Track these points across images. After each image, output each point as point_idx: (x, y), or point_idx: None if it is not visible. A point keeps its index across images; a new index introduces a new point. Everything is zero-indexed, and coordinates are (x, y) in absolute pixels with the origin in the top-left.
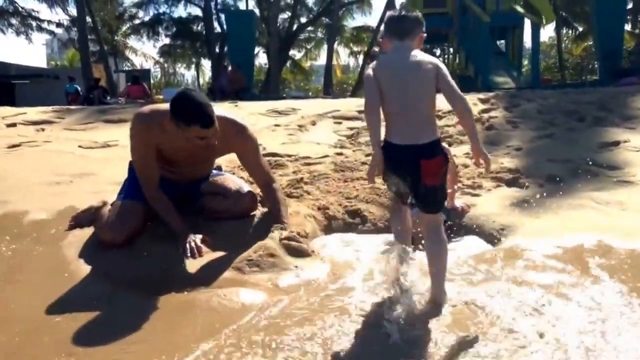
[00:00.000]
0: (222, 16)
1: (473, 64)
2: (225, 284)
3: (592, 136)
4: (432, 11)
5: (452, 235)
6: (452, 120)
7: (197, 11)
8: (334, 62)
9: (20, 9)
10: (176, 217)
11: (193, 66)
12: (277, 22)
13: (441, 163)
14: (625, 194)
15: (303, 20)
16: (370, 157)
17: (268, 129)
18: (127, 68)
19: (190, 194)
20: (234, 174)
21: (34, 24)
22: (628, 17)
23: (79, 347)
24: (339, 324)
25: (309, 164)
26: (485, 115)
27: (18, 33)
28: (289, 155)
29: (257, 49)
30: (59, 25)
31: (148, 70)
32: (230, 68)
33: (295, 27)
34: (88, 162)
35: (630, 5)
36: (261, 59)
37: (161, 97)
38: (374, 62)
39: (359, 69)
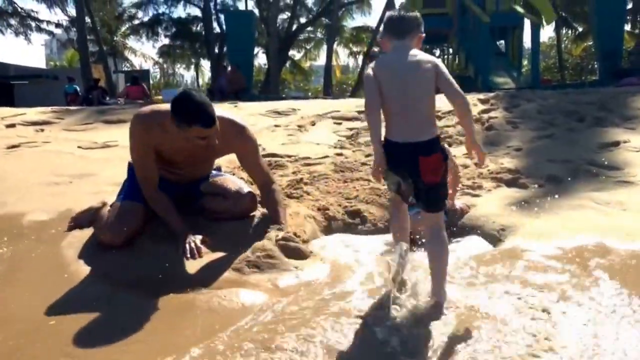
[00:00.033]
0: (222, 16)
1: (473, 64)
2: (225, 284)
3: (592, 136)
4: (432, 11)
5: (451, 237)
6: (452, 120)
7: (196, 11)
8: (334, 62)
9: (19, 10)
10: (176, 218)
11: (192, 67)
12: (276, 23)
13: (439, 160)
14: (625, 194)
15: (302, 20)
16: (370, 158)
17: (268, 129)
18: (126, 68)
19: (190, 195)
20: (233, 174)
21: (33, 24)
22: (628, 17)
23: (79, 348)
24: (338, 325)
25: (308, 165)
26: (485, 116)
27: (17, 33)
28: (289, 156)
29: (256, 50)
30: (58, 25)
31: (147, 71)
32: (229, 68)
33: (294, 27)
34: (87, 162)
35: (630, 6)
36: (260, 59)
37: (160, 97)
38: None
39: (359, 70)
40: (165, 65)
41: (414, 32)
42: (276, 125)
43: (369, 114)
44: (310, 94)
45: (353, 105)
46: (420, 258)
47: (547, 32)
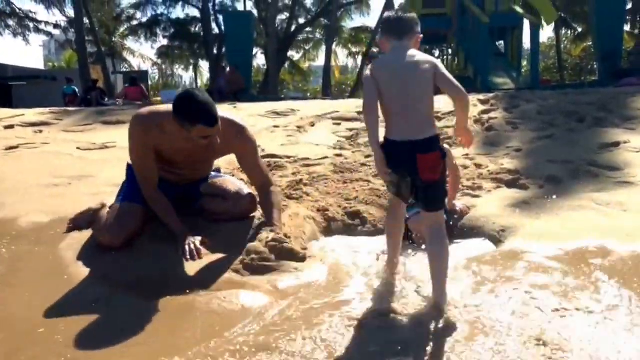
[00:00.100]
0: (220, 17)
1: (472, 64)
2: (224, 286)
3: (592, 137)
4: (431, 12)
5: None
6: (451, 121)
7: (195, 12)
8: (333, 63)
9: (17, 11)
10: (175, 219)
11: (191, 67)
12: (275, 23)
13: (437, 158)
14: (625, 195)
15: (301, 21)
16: (370, 159)
17: (267, 130)
18: (124, 69)
19: (189, 195)
20: (233, 175)
21: (31, 25)
22: (627, 18)
23: (78, 350)
24: (338, 327)
25: (308, 166)
26: (485, 117)
27: (15, 34)
28: (288, 157)
29: (255, 50)
30: (56, 26)
31: (146, 72)
32: (228, 69)
33: (293, 28)
34: (86, 163)
35: (629, 6)
36: (259, 60)
37: (159, 99)
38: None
39: (358, 70)
40: (163, 66)
41: (411, 33)
42: (275, 126)
43: (367, 114)
44: (309, 94)
45: (352, 105)
46: (420, 258)
47: (547, 33)
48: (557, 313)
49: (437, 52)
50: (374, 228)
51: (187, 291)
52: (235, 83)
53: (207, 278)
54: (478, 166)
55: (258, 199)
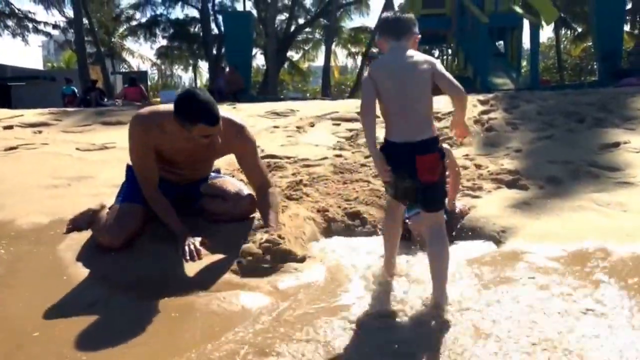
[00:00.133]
0: (220, 17)
1: (472, 65)
2: (224, 286)
3: (592, 137)
4: (431, 12)
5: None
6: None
7: (194, 12)
8: (332, 63)
9: (16, 11)
10: (175, 219)
11: (190, 68)
12: (274, 24)
13: (436, 159)
14: (625, 195)
15: (301, 21)
16: (370, 159)
17: (266, 130)
18: (124, 70)
19: (189, 196)
20: (233, 176)
21: (30, 25)
22: (627, 18)
23: (78, 351)
24: (338, 328)
25: (308, 166)
26: (485, 117)
27: (14, 35)
28: (288, 157)
29: (254, 50)
30: (55, 26)
31: (145, 72)
32: (227, 69)
33: (292, 28)
34: (86, 164)
35: (629, 6)
36: (259, 60)
37: (158, 99)
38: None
39: (357, 70)
40: (163, 67)
41: (409, 33)
42: (275, 127)
43: (364, 116)
44: (308, 94)
45: (352, 106)
46: (420, 258)
47: (546, 33)
48: (558, 314)
49: (436, 53)
50: (373, 229)
51: (187, 292)
52: (234, 83)
53: (207, 279)
54: (478, 166)
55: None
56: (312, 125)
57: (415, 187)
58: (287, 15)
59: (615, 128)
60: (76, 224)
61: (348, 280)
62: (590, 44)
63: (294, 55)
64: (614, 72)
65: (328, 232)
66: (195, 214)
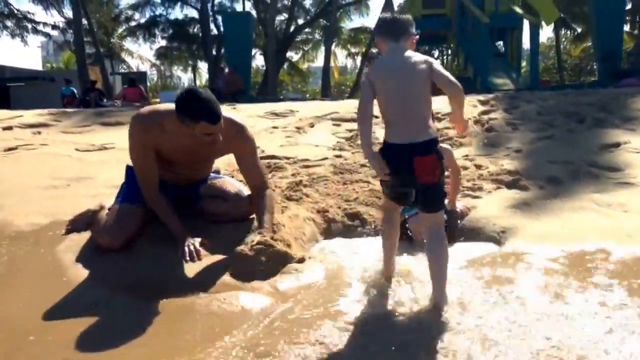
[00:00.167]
0: (219, 18)
1: (472, 65)
2: (224, 287)
3: (592, 138)
4: (431, 12)
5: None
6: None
7: (193, 13)
8: (332, 63)
9: (15, 11)
10: (175, 220)
11: (190, 69)
12: (274, 24)
13: (435, 161)
14: (626, 196)
15: (300, 21)
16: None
17: (266, 131)
18: (123, 70)
19: (189, 197)
20: (232, 177)
21: (29, 26)
22: (627, 18)
23: (78, 351)
24: (337, 330)
25: (307, 167)
26: (485, 117)
27: (13, 35)
28: (288, 158)
29: (254, 51)
30: (54, 27)
31: (144, 73)
32: (227, 70)
33: (292, 28)
34: (85, 165)
35: (629, 6)
36: (258, 60)
37: (158, 100)
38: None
39: (357, 71)
40: (162, 68)
41: (407, 34)
42: (274, 127)
43: (361, 123)
44: (308, 95)
45: (352, 106)
46: (420, 259)
47: (546, 33)
48: (558, 314)
49: (436, 53)
50: (374, 229)
51: (187, 293)
52: (234, 84)
53: (207, 279)
54: (478, 167)
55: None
56: (311, 125)
57: (415, 189)
58: (287, 15)
59: (615, 128)
60: (75, 225)
61: (348, 282)
62: (590, 44)
63: (293, 55)
64: (613, 73)
65: (328, 233)
66: (195, 215)
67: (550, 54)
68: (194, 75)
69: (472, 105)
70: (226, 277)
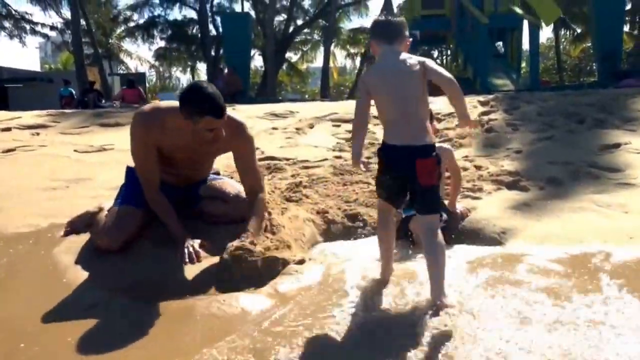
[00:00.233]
0: (218, 19)
1: (471, 66)
2: (224, 289)
3: (593, 138)
4: (430, 13)
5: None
6: (452, 123)
7: (192, 14)
8: (331, 64)
9: (13, 12)
10: (176, 221)
11: (189, 69)
12: (273, 25)
13: (434, 163)
14: (626, 196)
15: (299, 22)
16: (369, 160)
17: (265, 132)
18: (121, 71)
19: (188, 198)
20: (232, 178)
21: (27, 27)
22: (627, 18)
23: (77, 354)
24: (337, 330)
25: (307, 168)
26: (485, 118)
27: (11, 36)
28: (287, 159)
29: (253, 52)
30: (52, 28)
31: (143, 74)
32: (226, 71)
33: (291, 29)
34: (84, 166)
35: (629, 6)
36: (257, 61)
37: (157, 101)
38: (366, 70)
39: (356, 71)
40: (161, 69)
41: (401, 37)
42: (274, 128)
43: (355, 131)
44: (307, 96)
45: (351, 107)
46: (419, 260)
47: (546, 34)
48: (559, 315)
49: (435, 53)
50: (374, 230)
51: (187, 294)
52: (233, 85)
53: (207, 281)
54: (478, 168)
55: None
56: (311, 126)
57: (413, 190)
58: (286, 16)
59: (615, 129)
60: (74, 227)
61: (347, 283)
62: (590, 44)
63: (292, 56)
64: (613, 73)
65: (328, 234)
66: (195, 216)
67: (549, 54)
68: (192, 76)
69: (472, 106)
70: None
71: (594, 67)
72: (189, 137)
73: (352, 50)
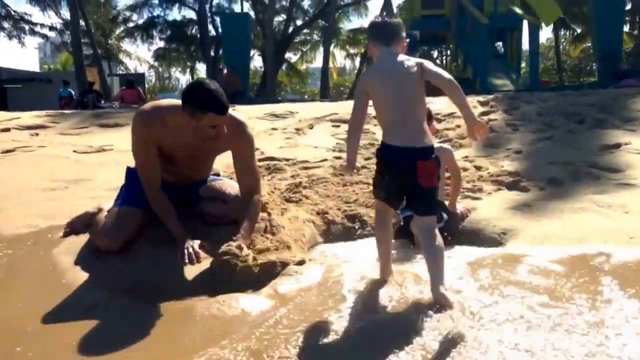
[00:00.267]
0: (217, 19)
1: (471, 66)
2: (224, 290)
3: (593, 138)
4: (430, 13)
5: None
6: (452, 123)
7: (191, 14)
8: (330, 64)
9: (12, 13)
10: (176, 222)
11: (188, 70)
12: (272, 25)
13: (434, 165)
14: (627, 197)
15: (299, 22)
16: (369, 161)
17: (265, 132)
18: (121, 72)
19: (189, 199)
20: (232, 179)
21: (26, 27)
22: (627, 18)
23: (77, 355)
24: (337, 331)
25: (307, 168)
26: (485, 118)
27: (10, 37)
28: (287, 159)
29: (252, 52)
30: (52, 28)
31: (142, 75)
32: (225, 71)
33: (290, 29)
34: (83, 167)
35: (629, 6)
36: (256, 62)
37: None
38: (364, 72)
39: (356, 72)
40: (160, 69)
41: (398, 38)
42: (273, 129)
43: (350, 132)
44: (306, 96)
45: (351, 108)
46: (418, 260)
47: (545, 34)
48: (559, 316)
49: (435, 53)
50: (373, 231)
51: (187, 295)
52: (232, 85)
53: (206, 282)
54: (478, 168)
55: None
56: (311, 127)
57: (412, 192)
58: (285, 16)
59: (615, 129)
60: (73, 227)
61: (347, 284)
62: (590, 44)
63: (292, 56)
64: (613, 73)
65: (328, 235)
66: (194, 218)
67: (549, 54)
68: (192, 77)
69: (472, 107)
70: None
71: (594, 67)
72: (190, 135)
73: (351, 51)
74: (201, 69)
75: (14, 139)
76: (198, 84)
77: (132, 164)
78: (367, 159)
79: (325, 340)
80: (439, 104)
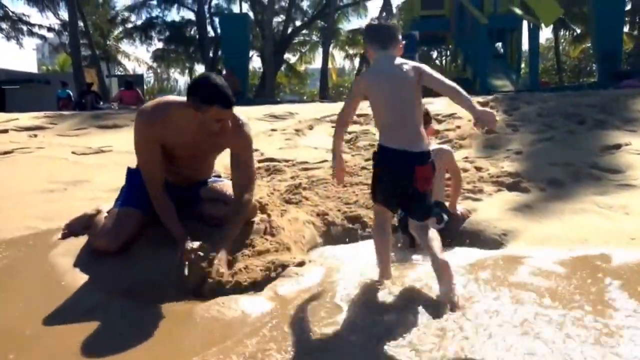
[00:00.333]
0: (216, 20)
1: (471, 66)
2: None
3: (593, 139)
4: (430, 13)
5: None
6: (452, 124)
7: (190, 15)
8: (330, 65)
9: (10, 13)
10: (176, 223)
11: (187, 71)
12: (271, 26)
13: (431, 170)
14: (627, 198)
15: (298, 23)
16: (369, 162)
17: (265, 133)
18: (119, 73)
19: (189, 200)
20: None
21: (24, 28)
22: (627, 19)
23: (77, 357)
24: (337, 332)
25: (307, 169)
26: None
27: (8, 38)
28: (287, 160)
29: (251, 53)
30: (50, 29)
31: (141, 76)
32: (224, 72)
33: (289, 30)
34: (81, 168)
35: (629, 6)
36: (256, 62)
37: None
38: (364, 72)
39: (355, 72)
40: (159, 70)
41: (395, 41)
42: (273, 130)
43: (337, 131)
44: (305, 97)
45: None
46: (418, 260)
47: (545, 34)
48: (559, 317)
49: (435, 54)
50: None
51: (187, 297)
52: (231, 86)
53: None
54: (478, 169)
55: (258, 204)
56: (310, 128)
57: (408, 195)
58: (284, 17)
59: (616, 130)
60: (72, 229)
61: (347, 286)
62: (589, 45)
63: (291, 57)
64: (613, 74)
65: (328, 236)
66: (195, 219)
67: (549, 55)
68: (190, 78)
69: None
70: None
71: (594, 68)
72: (192, 133)
73: (350, 51)
74: (200, 70)
75: (12, 140)
76: (204, 77)
77: (131, 164)
78: (367, 159)
79: (326, 342)
80: (438, 105)
